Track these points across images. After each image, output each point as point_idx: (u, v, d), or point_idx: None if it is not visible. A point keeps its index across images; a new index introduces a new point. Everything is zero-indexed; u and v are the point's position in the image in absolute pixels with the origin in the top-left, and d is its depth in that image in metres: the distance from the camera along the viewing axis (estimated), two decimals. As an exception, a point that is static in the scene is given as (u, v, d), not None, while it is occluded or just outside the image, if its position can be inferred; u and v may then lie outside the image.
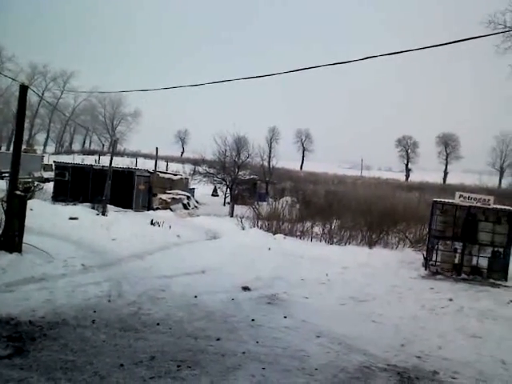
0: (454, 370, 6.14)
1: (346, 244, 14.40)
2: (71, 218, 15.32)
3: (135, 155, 66.85)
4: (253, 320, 7.37)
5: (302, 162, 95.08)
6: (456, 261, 11.39)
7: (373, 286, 9.78)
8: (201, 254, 12.16)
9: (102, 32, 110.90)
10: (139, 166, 34.91)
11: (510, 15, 28.88)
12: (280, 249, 12.57)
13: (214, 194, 39.89)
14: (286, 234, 14.53)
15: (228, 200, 33.38)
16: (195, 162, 40.97)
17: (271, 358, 5.99)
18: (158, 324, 6.86)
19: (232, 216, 24.21)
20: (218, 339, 6.44)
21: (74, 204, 20.04)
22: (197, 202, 32.03)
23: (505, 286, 10.41)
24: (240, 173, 33.47)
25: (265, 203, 21.41)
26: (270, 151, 65.37)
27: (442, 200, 12.18)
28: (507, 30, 27.41)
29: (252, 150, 37.12)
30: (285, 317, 7.68)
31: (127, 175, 25.18)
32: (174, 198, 27.18)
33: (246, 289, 9.14)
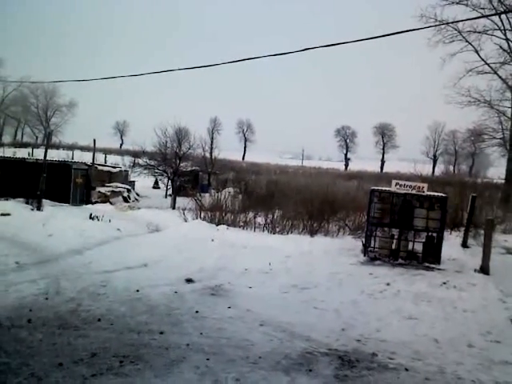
0: (392, 350, 6.40)
1: (288, 233, 14.60)
2: (3, 214, 14.62)
3: (72, 148, 64.56)
4: (197, 312, 7.35)
5: (244, 153, 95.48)
6: (393, 246, 11.82)
7: (314, 274, 9.99)
8: (142, 247, 11.95)
9: (34, 21, 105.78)
10: (76, 159, 33.76)
11: (441, 9, 30.12)
12: (223, 240, 12.56)
13: (156, 186, 39.31)
14: (229, 225, 14.54)
15: (170, 192, 32.99)
16: (135, 154, 40.21)
17: (215, 348, 6.00)
18: (99, 320, 6.69)
19: (174, 208, 23.97)
20: (162, 332, 6.37)
21: (6, 199, 19.10)
22: (137, 194, 31.46)
23: (438, 269, 10.93)
24: (182, 164, 33.12)
25: (207, 194, 21.30)
26: (212, 142, 65.25)
27: (380, 188, 12.57)
28: (438, 23, 28.62)
29: (193, 141, 36.86)
30: (229, 307, 7.71)
31: (63, 168, 24.29)
32: (113, 192, 26.55)
33: (189, 281, 9.08)
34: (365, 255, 11.69)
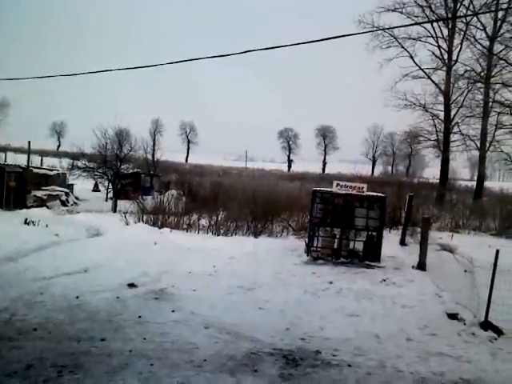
0: (335, 347, 6.53)
1: (232, 235, 14.59)
2: None
3: (4, 149, 61.40)
4: (139, 317, 7.18)
5: (188, 155, 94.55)
6: (335, 246, 12.08)
7: (259, 274, 10.03)
8: (82, 252, 11.54)
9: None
10: (10, 162, 32.19)
11: (377, 16, 31.22)
12: (166, 243, 12.38)
13: (95, 189, 38.13)
14: (172, 228, 14.34)
15: (110, 195, 32.12)
16: (73, 156, 38.82)
17: (159, 353, 5.89)
18: (35, 329, 6.39)
19: (115, 211, 23.34)
20: (103, 339, 6.18)
21: None
22: (76, 198, 30.40)
23: (378, 267, 11.28)
24: (123, 166, 32.33)
25: (150, 197, 20.92)
26: (154, 144, 64.23)
27: (321, 189, 12.81)
28: (374, 29, 29.58)
29: (135, 142, 36.12)
30: (173, 311, 7.59)
31: (-5, 172, 23.08)
32: (50, 195, 25.54)
33: (131, 285, 8.86)
34: (308, 255, 11.87)
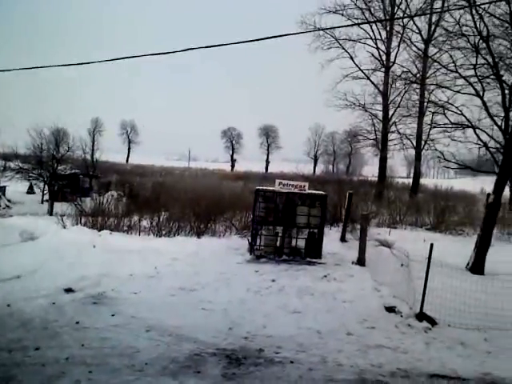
0: (278, 345, 6.59)
1: (174, 235, 14.37)
2: None
3: None
4: (77, 323, 6.94)
5: (128, 155, 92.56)
6: (278, 244, 12.18)
7: (202, 275, 9.94)
8: (15, 257, 10.96)
9: None
10: None
11: (319, 17, 31.87)
12: (106, 245, 11.99)
13: (30, 191, 36.52)
14: (112, 230, 13.92)
15: (47, 197, 30.88)
16: (5, 157, 36.99)
17: (99, 359, 5.71)
18: (-39, 342, 6.03)
19: (52, 214, 22.47)
20: (37, 348, 5.91)
21: None
22: (9, 201, 29.01)
23: (319, 263, 11.47)
24: (60, 167, 31.20)
25: (88, 199, 20.24)
26: (94, 144, 62.35)
27: (264, 188, 12.88)
28: (316, 29, 30.15)
29: (73, 142, 34.95)
30: (113, 315, 7.39)
31: None
32: (-22, 199, 24.22)
33: (69, 290, 8.54)
34: (251, 253, 11.90)
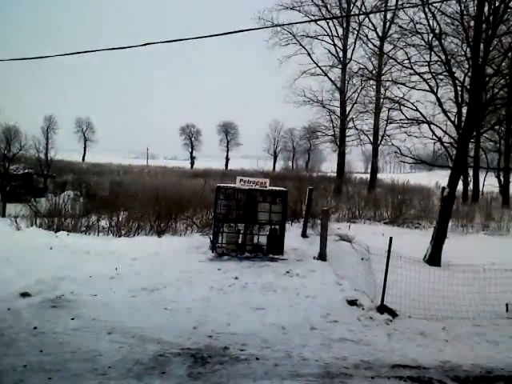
0: (242, 342, 6.58)
1: (134, 235, 14.14)
2: None
3: None
4: (35, 328, 6.70)
5: (85, 153, 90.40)
6: (240, 241, 12.16)
7: (164, 274, 9.80)
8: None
9: None
10: None
11: (277, 13, 32.08)
12: (63, 247, 11.66)
13: (-20, 192, 35.09)
14: (69, 231, 13.56)
15: (-2, 199, 29.74)
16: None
17: (59, 365, 5.54)
18: None
19: (4, 216, 21.62)
20: (-7, 356, 5.68)
21: None
22: (-45, 203, 27.73)
23: (281, 259, 11.53)
24: (12, 167, 30.09)
25: (44, 199, 19.63)
26: (48, 142, 60.49)
27: (225, 185, 12.83)
28: (273, 25, 30.28)
29: (25, 141, 33.82)
30: (72, 318, 7.18)
31: None
32: None
33: (25, 295, 8.22)
34: (213, 251, 11.84)
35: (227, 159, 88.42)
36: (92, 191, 20.75)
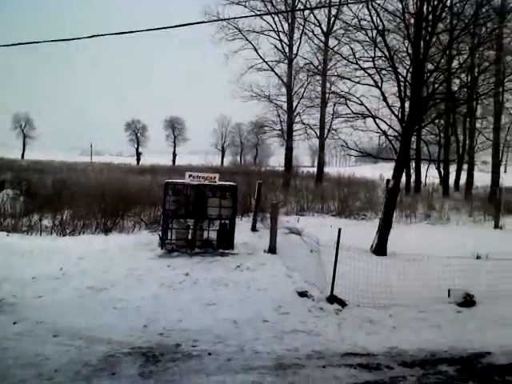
0: (194, 338, 6.52)
1: (80, 234, 13.71)
2: None
3: None
4: (-26, 334, 6.36)
5: (24, 150, 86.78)
6: (189, 237, 12.06)
7: (111, 273, 9.56)
8: None
9: None
10: None
11: (222, 8, 31.97)
12: (4, 248, 11.13)
13: None
14: (9, 231, 12.97)
15: None
16: None
17: (1, 371, 5.28)
18: None
19: None
20: None
21: None
22: None
23: (232, 254, 11.53)
24: None
25: (-20, 199, 18.67)
26: (-17, 139, 57.62)
27: (174, 181, 12.66)
28: (218, 19, 30.13)
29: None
30: (15, 322, 6.86)
31: None
32: None
33: (-38, 299, 7.81)
34: (162, 248, 11.67)
35: (174, 155, 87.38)
36: (33, 190, 19.89)
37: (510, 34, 21.43)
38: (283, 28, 34.41)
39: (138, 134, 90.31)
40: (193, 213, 11.96)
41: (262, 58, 34.68)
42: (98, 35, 8.86)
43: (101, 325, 6.86)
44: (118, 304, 7.83)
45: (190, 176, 12.02)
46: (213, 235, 12.26)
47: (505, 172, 42.36)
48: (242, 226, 14.61)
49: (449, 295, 8.81)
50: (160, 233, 12.31)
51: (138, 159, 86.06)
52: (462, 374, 5.94)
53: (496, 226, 17.88)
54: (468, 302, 8.59)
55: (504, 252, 10.04)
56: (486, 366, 6.23)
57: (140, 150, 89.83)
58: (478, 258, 11.52)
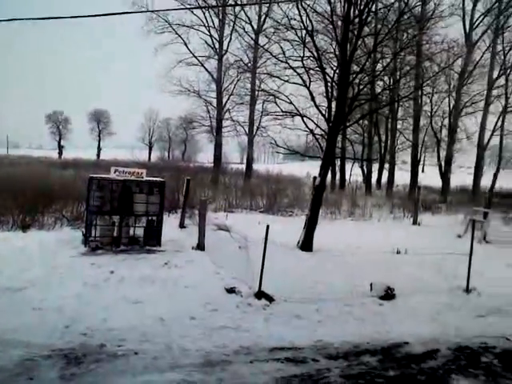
0: (121, 337, 6.34)
1: (-5, 231, 12.90)
2: None
3: None
4: None
5: None
6: (115, 234, 11.68)
7: (31, 271, 9.04)
8: None
9: None
10: None
11: (152, -1, 31.28)
12: None
13: None
14: None
15: None
16: None
17: None
18: None
19: None
20: None
21: None
22: None
23: (159, 251, 11.31)
24: None
25: None
26: None
27: (98, 176, 12.21)
28: (148, 11, 29.46)
29: None
30: None
31: None
32: None
33: None
34: (86, 246, 11.23)
35: (99, 149, 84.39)
36: None
37: (428, 40, 22.74)
38: (214, 23, 34.24)
39: (60, 127, 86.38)
40: (118, 209, 11.60)
41: (191, 52, 34.30)
42: (14, 19, 8.33)
43: (17, 327, 6.48)
44: (38, 304, 7.44)
45: (115, 171, 11.64)
46: (139, 232, 11.97)
47: (422, 171, 44.85)
48: (170, 222, 14.38)
49: (371, 289, 9.18)
50: (84, 230, 11.84)
51: (60, 152, 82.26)
52: (383, 363, 6.22)
53: (414, 223, 18.87)
54: (389, 295, 9.01)
55: (421, 247, 10.64)
56: (404, 355, 6.57)
57: (62, 143, 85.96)
58: (398, 252, 12.12)
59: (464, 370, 6.19)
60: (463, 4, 30.25)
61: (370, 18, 13.64)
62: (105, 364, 5.57)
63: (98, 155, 79.33)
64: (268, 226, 8.65)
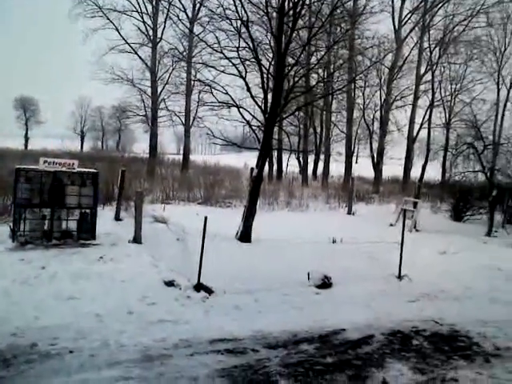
0: (53, 336, 6.10)
1: None
2: None
3: None
4: None
5: None
6: (46, 227, 11.18)
7: (-48, 270, 8.50)
8: None
9: None
10: None
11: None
12: None
13: None
14: None
15: None
16: None
17: None
18: None
19: None
20: None
21: None
22: None
23: (94, 245, 10.95)
24: None
25: None
26: None
27: (26, 167, 11.61)
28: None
29: None
30: None
31: None
32: None
33: None
34: (14, 241, 10.67)
35: (26, 138, 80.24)
36: None
37: (360, 35, 23.40)
38: (147, 10, 33.24)
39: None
40: (49, 202, 11.10)
41: (124, 39, 33.07)
42: None
43: None
44: (-40, 305, 7.00)
45: (45, 162, 11.11)
46: (73, 225, 11.53)
47: (356, 163, 46.23)
48: (105, 215, 13.95)
49: (308, 278, 9.39)
50: (11, 224, 11.24)
51: (-17, 142, 77.49)
52: (321, 350, 6.38)
53: (349, 212, 19.45)
54: (326, 284, 9.25)
55: (356, 236, 10.99)
56: (341, 341, 6.78)
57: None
58: (334, 242, 12.46)
59: (397, 353, 6.48)
60: (392, 1, 31.26)
61: (304, 11, 13.78)
62: (37, 365, 5.34)
63: (26, 145, 75.42)
64: (206, 218, 8.60)
